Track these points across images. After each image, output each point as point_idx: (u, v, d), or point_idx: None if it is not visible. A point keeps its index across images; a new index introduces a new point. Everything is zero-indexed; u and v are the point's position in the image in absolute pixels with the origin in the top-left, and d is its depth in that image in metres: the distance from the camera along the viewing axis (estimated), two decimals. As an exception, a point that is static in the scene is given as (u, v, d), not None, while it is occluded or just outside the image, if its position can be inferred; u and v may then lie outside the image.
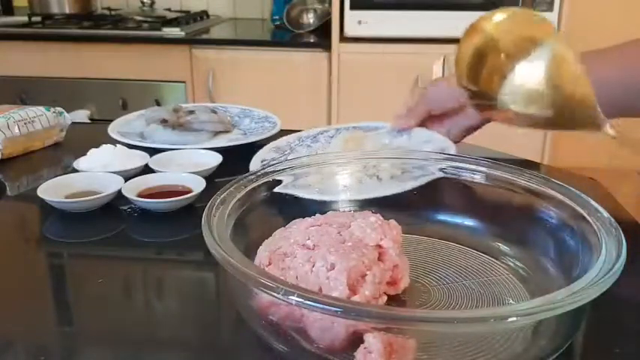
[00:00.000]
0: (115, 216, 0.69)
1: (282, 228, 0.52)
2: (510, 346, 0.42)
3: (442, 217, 0.61)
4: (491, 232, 0.58)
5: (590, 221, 0.49)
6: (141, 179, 0.73)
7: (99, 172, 0.75)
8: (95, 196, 0.68)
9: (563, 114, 0.54)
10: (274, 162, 0.61)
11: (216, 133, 0.97)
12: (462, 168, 0.60)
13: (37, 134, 0.91)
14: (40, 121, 0.91)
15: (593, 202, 0.50)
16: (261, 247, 0.50)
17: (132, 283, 0.58)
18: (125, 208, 0.70)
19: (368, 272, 0.45)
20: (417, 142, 0.78)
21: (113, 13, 2.30)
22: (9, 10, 2.44)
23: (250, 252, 0.49)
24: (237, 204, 0.53)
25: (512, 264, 0.55)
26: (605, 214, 0.49)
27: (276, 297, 0.38)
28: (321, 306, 0.37)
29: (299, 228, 0.50)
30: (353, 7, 1.91)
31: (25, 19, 2.15)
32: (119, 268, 0.60)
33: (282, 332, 0.43)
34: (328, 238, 0.48)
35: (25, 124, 0.89)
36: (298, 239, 0.48)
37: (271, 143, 0.86)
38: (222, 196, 0.52)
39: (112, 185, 0.70)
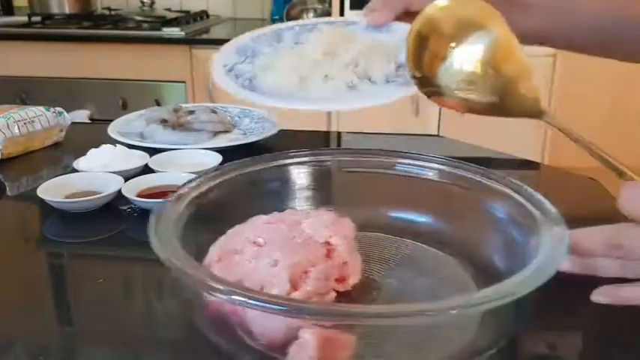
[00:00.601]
0: (115, 216, 0.69)
1: (239, 225, 0.52)
2: (453, 337, 0.43)
3: (398, 213, 0.61)
4: (445, 227, 0.59)
5: (536, 214, 0.49)
6: (141, 179, 0.73)
7: (99, 172, 0.75)
8: (95, 196, 0.68)
9: (503, 101, 0.54)
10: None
11: (216, 133, 0.97)
12: (417, 165, 0.60)
13: (37, 134, 0.91)
14: (39, 121, 0.91)
15: (539, 196, 0.51)
16: (215, 243, 0.51)
17: (132, 283, 0.58)
18: (125, 208, 0.70)
19: (312, 269, 0.46)
20: (402, 38, 0.64)
21: (113, 13, 2.30)
22: (9, 10, 2.44)
23: (206, 249, 0.50)
24: (195, 202, 0.53)
25: (463, 258, 0.55)
26: (551, 207, 0.49)
27: (207, 293, 0.39)
28: (245, 300, 0.37)
29: (253, 225, 0.51)
30: (353, 7, 1.91)
31: (25, 19, 2.15)
32: (119, 268, 0.60)
33: (228, 330, 0.44)
34: (278, 236, 0.48)
35: (24, 124, 0.89)
36: (249, 236, 0.49)
37: (233, 43, 0.72)
38: (178, 194, 0.52)
39: (111, 185, 0.70)
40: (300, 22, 0.74)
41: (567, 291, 0.47)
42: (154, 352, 0.47)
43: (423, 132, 1.88)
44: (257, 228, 0.50)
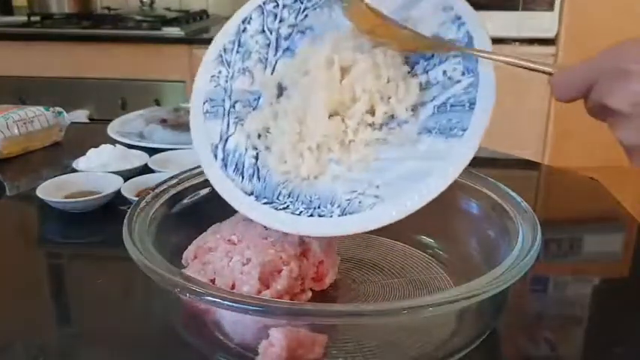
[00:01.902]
0: (115, 216, 0.68)
1: (218, 223, 0.52)
2: (429, 336, 0.44)
3: None
4: (424, 227, 0.59)
5: (509, 210, 0.50)
6: (140, 179, 0.72)
7: (98, 172, 0.75)
8: (94, 196, 0.68)
9: None
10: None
11: (216, 133, 0.97)
12: None
13: (37, 134, 0.91)
14: (39, 120, 0.91)
15: (511, 192, 0.52)
16: (194, 241, 0.51)
17: (131, 283, 0.58)
18: (125, 208, 0.69)
19: (284, 267, 0.46)
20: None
21: (112, 12, 2.30)
22: (8, 10, 2.43)
23: (185, 247, 0.51)
24: (172, 200, 0.53)
25: (442, 257, 0.56)
26: (523, 203, 0.50)
27: (176, 292, 0.39)
28: (211, 299, 0.38)
29: (230, 223, 0.51)
30: None
31: (25, 18, 2.14)
32: (119, 268, 0.60)
33: (204, 329, 0.44)
34: (252, 234, 0.48)
35: (24, 123, 0.89)
36: (224, 234, 0.49)
37: (215, 50, 0.58)
38: (154, 192, 0.52)
39: (111, 185, 0.70)
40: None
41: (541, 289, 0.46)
42: (153, 352, 0.47)
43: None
44: (233, 226, 0.50)
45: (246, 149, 0.50)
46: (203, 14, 2.31)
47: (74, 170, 0.77)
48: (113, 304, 0.53)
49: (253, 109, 0.51)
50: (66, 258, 0.64)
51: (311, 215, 0.45)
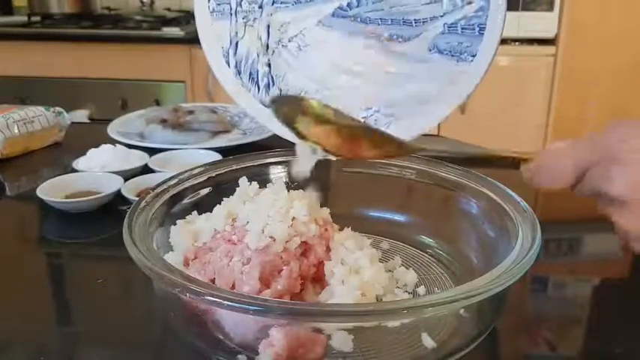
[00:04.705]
0: (115, 216, 0.69)
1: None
2: (428, 336, 0.43)
3: (378, 213, 0.62)
4: (424, 227, 0.59)
5: (509, 210, 0.50)
6: (140, 179, 0.72)
7: (98, 172, 0.75)
8: (95, 196, 0.68)
9: None
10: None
11: (216, 133, 0.97)
12: (397, 165, 0.60)
13: (37, 134, 0.91)
14: (39, 121, 0.91)
15: (511, 192, 0.52)
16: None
17: (132, 283, 0.58)
18: (125, 208, 0.70)
19: (285, 267, 0.46)
20: None
21: (113, 12, 2.30)
22: (8, 10, 2.43)
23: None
24: (172, 200, 0.53)
25: (440, 256, 0.56)
26: (523, 203, 0.50)
27: (175, 292, 0.39)
28: (210, 299, 0.38)
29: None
30: None
31: (25, 18, 2.14)
32: (119, 268, 0.60)
33: (204, 329, 0.44)
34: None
35: (24, 124, 0.89)
36: (224, 234, 0.49)
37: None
38: (154, 192, 0.52)
39: (111, 185, 0.70)
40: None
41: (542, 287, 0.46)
42: (153, 352, 0.47)
43: (422, 132, 1.88)
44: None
45: (258, 55, 0.48)
46: (203, 14, 2.31)
47: (74, 170, 0.77)
48: (113, 304, 0.53)
49: (259, 7, 0.49)
50: (66, 258, 0.64)
51: None
